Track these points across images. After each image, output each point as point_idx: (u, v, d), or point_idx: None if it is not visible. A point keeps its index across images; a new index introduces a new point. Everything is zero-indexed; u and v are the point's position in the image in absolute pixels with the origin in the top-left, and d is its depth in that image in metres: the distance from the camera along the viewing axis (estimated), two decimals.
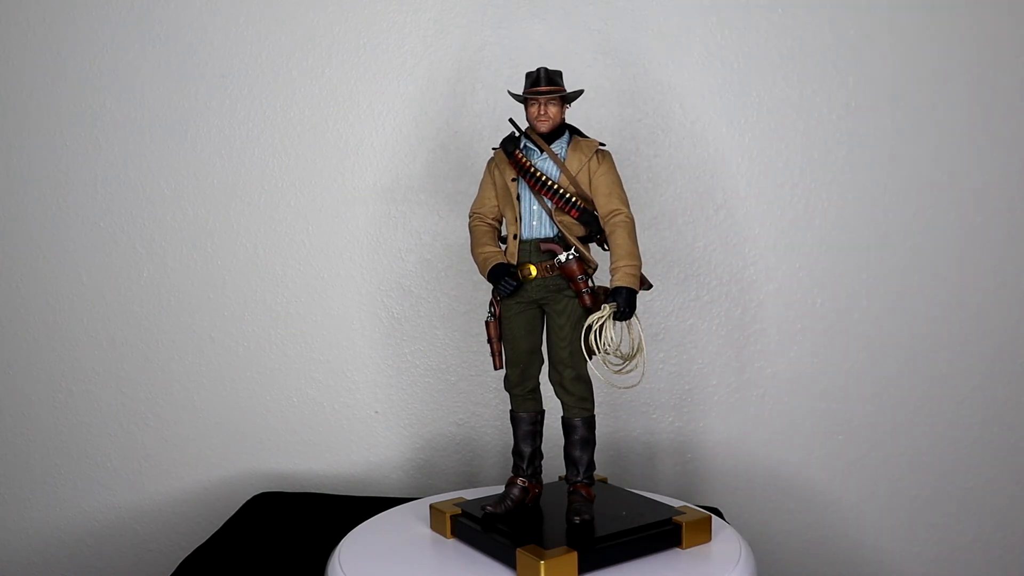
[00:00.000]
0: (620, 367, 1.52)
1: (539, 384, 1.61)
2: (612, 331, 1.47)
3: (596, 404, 1.56)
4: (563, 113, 1.54)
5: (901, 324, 2.11)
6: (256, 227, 2.17)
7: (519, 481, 1.59)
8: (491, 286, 1.56)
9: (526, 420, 1.60)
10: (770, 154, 2.08)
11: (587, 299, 1.50)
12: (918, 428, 2.14)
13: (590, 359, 1.50)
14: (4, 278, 2.22)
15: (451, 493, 1.79)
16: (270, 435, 2.22)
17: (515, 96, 1.56)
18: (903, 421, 2.14)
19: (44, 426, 2.25)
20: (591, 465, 1.55)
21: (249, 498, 2.09)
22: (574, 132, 1.57)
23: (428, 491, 2.11)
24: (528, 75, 1.54)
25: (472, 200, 1.63)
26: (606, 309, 1.47)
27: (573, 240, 1.52)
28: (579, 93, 1.56)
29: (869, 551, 2.18)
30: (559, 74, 1.53)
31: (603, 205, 1.51)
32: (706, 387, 2.14)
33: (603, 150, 1.55)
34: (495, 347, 1.59)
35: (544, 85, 1.52)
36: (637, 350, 1.51)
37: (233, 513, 2.01)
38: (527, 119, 1.55)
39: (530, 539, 1.44)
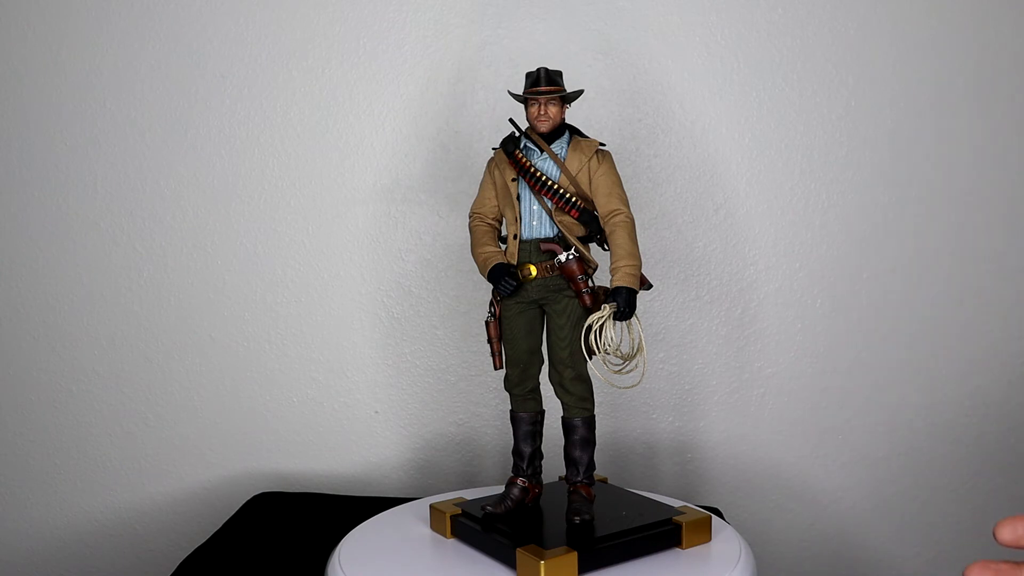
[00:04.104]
0: (620, 367, 1.52)
1: (539, 384, 1.61)
2: (612, 331, 1.47)
3: (596, 404, 1.56)
4: (563, 113, 1.54)
5: (901, 324, 2.12)
6: (256, 227, 2.17)
7: (519, 481, 1.59)
8: (491, 286, 1.56)
9: (526, 420, 1.60)
10: (770, 154, 2.09)
11: (587, 299, 1.50)
12: (918, 428, 2.14)
13: (590, 359, 1.50)
14: (4, 278, 2.22)
15: (451, 493, 1.79)
16: (270, 435, 2.22)
17: (515, 96, 1.56)
18: (903, 421, 2.14)
19: (44, 426, 2.25)
20: (591, 465, 1.55)
21: (249, 498, 2.09)
22: (574, 132, 1.57)
23: (428, 491, 2.11)
24: (528, 75, 1.54)
25: (472, 200, 1.64)
26: (606, 309, 1.47)
27: (573, 240, 1.52)
28: (579, 93, 1.56)
29: (869, 551, 2.18)
30: (559, 74, 1.53)
31: (603, 205, 1.51)
32: (706, 387, 2.14)
33: (603, 150, 1.55)
34: (495, 347, 1.59)
35: (544, 85, 1.52)
36: (637, 350, 1.51)
37: (233, 513, 2.01)
38: (527, 119, 1.55)
39: (530, 539, 1.44)
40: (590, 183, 1.52)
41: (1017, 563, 0.76)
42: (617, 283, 1.47)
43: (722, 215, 2.10)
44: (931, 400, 2.14)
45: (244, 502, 2.07)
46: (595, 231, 1.54)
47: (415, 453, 2.20)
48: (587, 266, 1.52)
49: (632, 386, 1.56)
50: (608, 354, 1.49)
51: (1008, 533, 0.76)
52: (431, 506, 1.64)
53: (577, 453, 1.54)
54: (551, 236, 1.54)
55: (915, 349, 2.12)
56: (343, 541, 1.59)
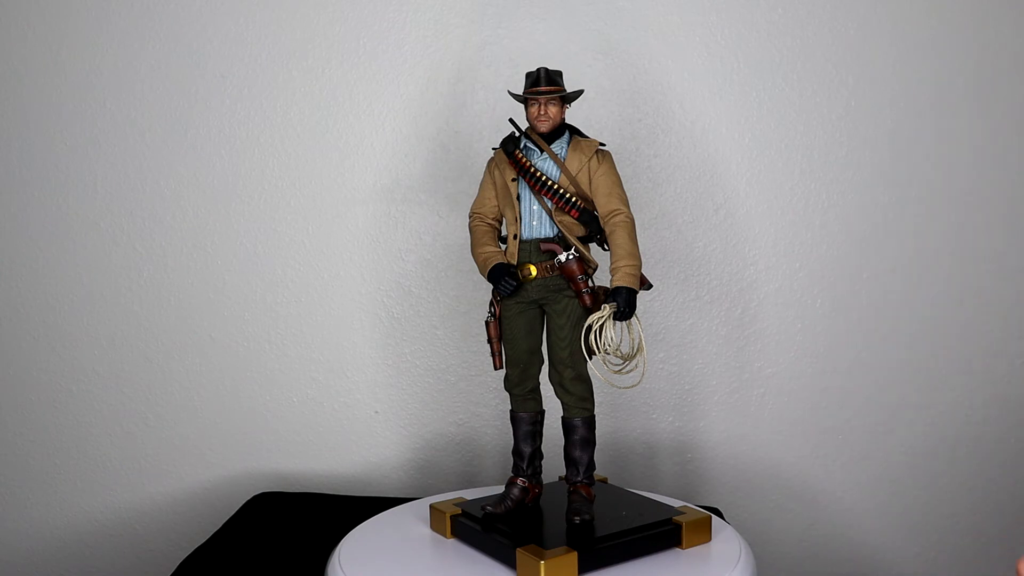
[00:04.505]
0: (620, 367, 1.52)
1: (539, 384, 1.61)
2: (612, 331, 1.47)
3: (596, 404, 1.56)
4: (563, 113, 1.54)
5: (901, 324, 2.12)
6: (256, 227, 2.17)
7: (519, 481, 1.59)
8: (491, 286, 1.56)
9: (526, 420, 1.60)
10: (770, 154, 2.09)
11: (587, 299, 1.50)
12: (918, 428, 2.14)
13: (590, 359, 1.50)
14: (4, 278, 2.22)
15: (451, 493, 1.79)
16: (270, 435, 2.22)
17: (515, 96, 1.56)
18: (903, 421, 2.14)
19: (44, 426, 2.25)
20: (591, 465, 1.55)
21: (249, 498, 2.09)
22: (574, 132, 1.57)
23: (428, 491, 2.11)
24: (528, 75, 1.54)
25: (472, 200, 1.64)
26: (606, 309, 1.47)
27: (573, 240, 1.52)
28: (579, 93, 1.56)
29: (869, 551, 2.18)
30: (559, 74, 1.53)
31: (603, 205, 1.51)
32: (706, 387, 2.14)
33: (603, 150, 1.55)
34: (495, 347, 1.59)
35: (544, 85, 1.52)
36: (637, 350, 1.51)
37: (233, 513, 2.01)
38: (527, 119, 1.55)
39: (530, 539, 1.44)
40: (590, 183, 1.52)
41: None
42: (617, 283, 1.47)
43: (722, 215, 2.10)
44: (931, 400, 2.14)
45: (244, 502, 2.07)
46: (595, 231, 1.54)
47: (415, 453, 2.20)
48: (587, 266, 1.52)
49: (632, 386, 1.56)
50: (608, 354, 1.49)
51: None
52: (431, 506, 1.64)
53: (577, 453, 1.54)
54: (551, 236, 1.54)
55: (915, 349, 2.12)
56: (343, 541, 1.59)
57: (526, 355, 1.58)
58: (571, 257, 1.50)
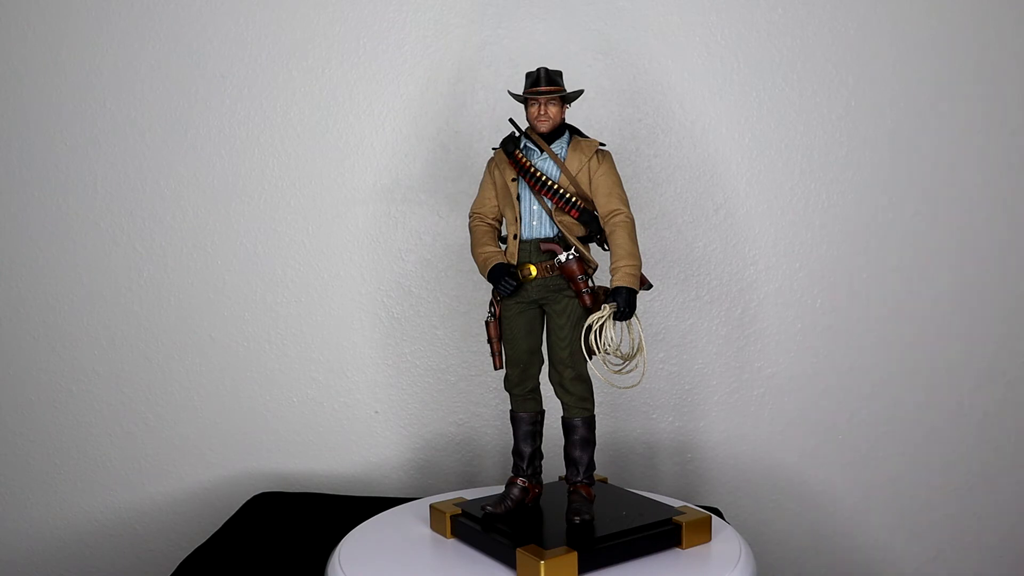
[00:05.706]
0: (620, 367, 1.52)
1: (539, 384, 1.61)
2: (612, 331, 1.47)
3: (596, 404, 1.56)
4: (563, 113, 1.54)
5: (901, 324, 2.12)
6: (256, 227, 2.17)
7: (519, 481, 1.59)
8: (491, 286, 1.56)
9: (526, 420, 1.60)
10: (770, 154, 2.09)
11: (587, 299, 1.50)
12: (918, 428, 2.14)
13: (590, 359, 1.50)
14: (4, 278, 2.22)
15: (451, 493, 1.79)
16: (270, 435, 2.22)
17: (515, 96, 1.56)
18: (903, 421, 2.14)
19: (44, 426, 2.25)
20: (591, 465, 1.55)
21: (249, 498, 2.09)
22: (574, 132, 1.57)
23: (428, 491, 2.11)
24: (528, 75, 1.54)
25: (472, 200, 1.64)
26: (606, 309, 1.47)
27: (573, 240, 1.52)
28: (579, 93, 1.56)
29: (869, 551, 2.18)
30: (559, 74, 1.53)
31: (603, 205, 1.51)
32: (706, 387, 2.14)
33: (603, 150, 1.55)
34: (495, 347, 1.59)
35: (544, 85, 1.52)
36: (637, 350, 1.51)
37: (233, 513, 2.01)
38: (527, 119, 1.55)
39: (530, 539, 1.44)
40: (590, 183, 1.52)
41: None
42: (617, 283, 1.47)
43: (722, 215, 2.10)
44: (931, 400, 2.14)
45: (244, 502, 2.07)
46: (595, 231, 1.54)
47: (415, 453, 2.20)
48: (587, 266, 1.52)
49: (632, 386, 1.56)
50: (608, 354, 1.49)
51: None
52: (431, 506, 1.64)
53: (577, 453, 1.54)
54: (551, 236, 1.54)
55: (915, 349, 2.12)
56: (343, 541, 1.59)
57: (526, 355, 1.58)
58: (571, 257, 1.50)
